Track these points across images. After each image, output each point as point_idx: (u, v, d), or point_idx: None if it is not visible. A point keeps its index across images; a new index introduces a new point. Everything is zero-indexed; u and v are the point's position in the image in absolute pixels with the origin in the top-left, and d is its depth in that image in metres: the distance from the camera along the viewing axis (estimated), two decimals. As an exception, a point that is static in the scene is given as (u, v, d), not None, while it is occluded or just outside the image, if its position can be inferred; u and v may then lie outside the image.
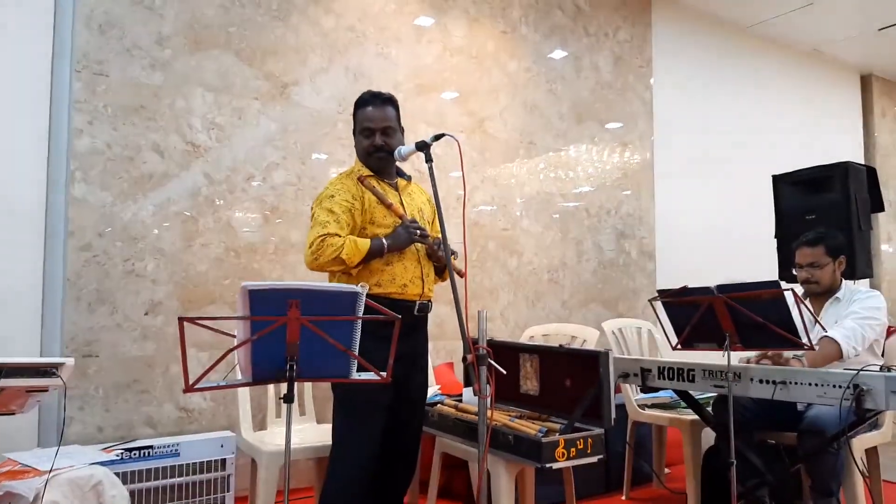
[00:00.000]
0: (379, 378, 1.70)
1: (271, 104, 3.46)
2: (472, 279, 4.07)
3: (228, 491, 2.85)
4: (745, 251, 5.01)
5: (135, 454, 2.65)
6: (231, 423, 3.07)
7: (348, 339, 1.65)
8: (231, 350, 1.57)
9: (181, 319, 1.48)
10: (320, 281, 2.44)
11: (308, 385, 3.03)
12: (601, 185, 4.71)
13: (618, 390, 3.43)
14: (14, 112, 2.86)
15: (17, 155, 2.86)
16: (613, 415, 2.48)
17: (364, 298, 1.66)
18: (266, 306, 1.54)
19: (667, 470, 3.68)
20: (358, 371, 1.72)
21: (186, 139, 3.21)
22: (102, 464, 2.38)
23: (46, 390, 2.02)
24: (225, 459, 2.85)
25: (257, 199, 3.40)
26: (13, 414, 2.06)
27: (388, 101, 2.50)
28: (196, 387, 1.50)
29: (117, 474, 2.41)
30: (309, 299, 1.57)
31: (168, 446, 2.72)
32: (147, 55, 3.13)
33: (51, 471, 2.07)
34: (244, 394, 2.83)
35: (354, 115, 2.51)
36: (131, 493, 2.53)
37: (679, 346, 2.77)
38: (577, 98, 4.64)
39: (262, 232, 3.39)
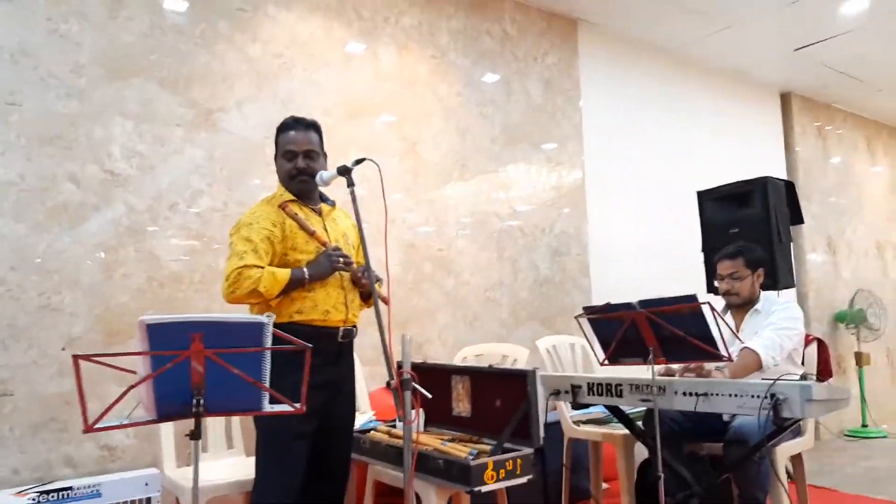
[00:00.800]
0: (293, 409, 1.67)
1: (196, 131, 3.40)
2: (408, 301, 4.06)
3: (156, 530, 2.75)
4: (676, 265, 5.14)
5: (52, 496, 2.54)
6: (156, 460, 2.96)
7: (257, 370, 1.62)
8: (131, 388, 1.51)
9: (75, 357, 1.42)
10: (241, 313, 2.40)
11: (236, 417, 2.96)
12: (535, 205, 4.78)
13: (555, 408, 3.46)
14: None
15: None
16: (542, 433, 2.49)
17: (270, 328, 1.63)
18: (167, 340, 1.50)
19: (605, 485, 3.72)
20: (271, 403, 1.68)
21: (105, 168, 3.13)
22: (14, 509, 2.27)
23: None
24: (150, 498, 2.74)
25: (182, 227, 3.32)
26: None
27: (312, 125, 2.50)
28: (96, 427, 1.45)
29: (32, 519, 2.31)
30: (213, 331, 1.53)
31: (88, 486, 2.61)
32: (63, 84, 3.05)
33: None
34: (167, 429, 2.74)
35: (277, 139, 2.50)
36: (49, 539, 2.42)
37: (606, 362, 2.82)
38: (509, 121, 4.72)
39: (188, 261, 3.32)
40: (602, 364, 2.83)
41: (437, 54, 4.39)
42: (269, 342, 1.62)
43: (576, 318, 2.85)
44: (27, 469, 2.84)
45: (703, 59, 5.91)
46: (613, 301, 2.73)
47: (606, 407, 3.05)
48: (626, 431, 3.08)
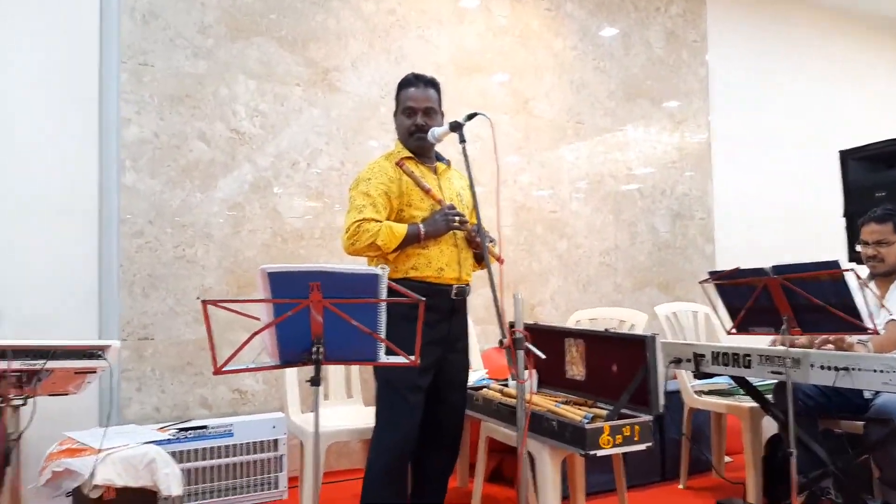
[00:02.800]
0: (408, 361, 1.67)
1: (313, 90, 3.46)
2: (521, 263, 4.00)
3: (281, 471, 2.90)
4: (812, 231, 4.77)
5: (189, 434, 2.71)
6: (283, 405, 3.11)
7: (373, 321, 1.62)
8: (255, 333, 1.56)
9: (203, 302, 1.48)
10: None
11: (355, 367, 3.04)
12: (655, 166, 4.56)
13: (675, 376, 3.32)
14: (65, 105, 2.95)
15: (69, 147, 2.95)
16: (662, 401, 2.38)
17: (385, 280, 1.63)
18: (287, 289, 1.53)
19: (728, 458, 3.54)
20: (387, 354, 1.69)
21: (231, 127, 3.25)
22: (157, 443, 2.45)
23: (95, 371, 2.08)
24: (277, 440, 2.89)
25: (302, 185, 3.41)
26: (67, 394, 2.13)
27: (431, 83, 2.48)
28: (224, 369, 1.50)
29: (172, 453, 2.48)
30: (329, 282, 1.54)
31: (222, 426, 2.78)
32: (190, 44, 3.17)
33: (100, 450, 2.12)
34: (292, 376, 2.85)
35: (397, 95, 2.48)
36: (186, 472, 2.59)
37: (734, 331, 2.65)
38: (628, 76, 4.49)
39: (308, 217, 3.41)
40: (729, 333, 2.66)
41: (552, 7, 4.23)
42: (384, 294, 1.63)
43: (701, 282, 2.68)
44: (167, 407, 3.06)
45: (846, 5, 5.37)
46: (740, 268, 2.54)
47: (733, 378, 2.88)
48: (753, 404, 2.90)
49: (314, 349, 1.58)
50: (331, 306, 1.54)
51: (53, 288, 2.87)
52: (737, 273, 2.56)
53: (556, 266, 4.14)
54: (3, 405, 1.95)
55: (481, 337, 3.56)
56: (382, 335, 1.66)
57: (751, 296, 2.49)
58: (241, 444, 2.79)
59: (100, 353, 2.03)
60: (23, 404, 2.01)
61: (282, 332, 1.57)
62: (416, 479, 2.46)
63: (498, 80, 4.02)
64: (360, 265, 2.38)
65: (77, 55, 2.98)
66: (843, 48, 5.56)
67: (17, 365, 1.90)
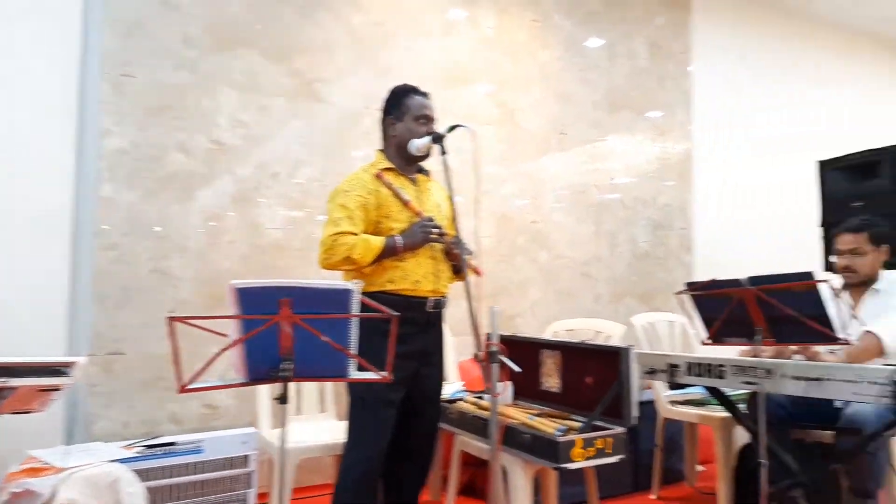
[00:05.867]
0: (379, 377, 1.68)
1: (297, 101, 3.47)
2: (502, 274, 4.01)
3: (251, 487, 2.86)
4: (791, 240, 4.80)
5: (157, 451, 2.66)
6: (255, 420, 3.10)
7: (345, 337, 1.63)
8: (222, 350, 1.56)
9: (170, 319, 1.48)
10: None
11: (329, 382, 3.04)
12: (637, 176, 4.59)
13: (649, 387, 3.34)
14: (44, 114, 2.94)
15: (47, 156, 2.94)
16: (636, 413, 2.40)
17: (358, 295, 1.63)
18: (257, 305, 1.54)
19: (701, 468, 3.57)
20: (358, 370, 1.70)
21: (212, 138, 3.25)
22: (122, 461, 2.39)
23: (59, 389, 2.04)
24: (247, 456, 2.86)
25: (283, 197, 3.42)
26: (31, 412, 2.09)
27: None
28: (190, 387, 1.51)
29: (139, 471, 2.44)
30: (301, 297, 1.55)
31: (191, 442, 2.74)
32: (173, 56, 3.18)
33: (62, 469, 2.10)
34: (263, 391, 2.85)
35: (400, 101, 2.45)
36: (153, 490, 2.55)
37: (709, 341, 2.67)
38: (612, 87, 4.52)
39: (289, 229, 3.42)
40: (704, 343, 2.68)
41: (539, 18, 4.26)
42: (356, 309, 1.63)
43: (677, 294, 2.71)
44: (135, 423, 3.04)
45: (828, 16, 5.43)
46: (718, 278, 2.57)
47: (706, 388, 2.90)
48: (725, 413, 2.92)
49: (283, 365, 1.58)
50: (301, 322, 1.55)
51: (23, 301, 2.84)
52: (712, 284, 2.58)
53: (536, 277, 4.16)
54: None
55: (459, 349, 3.57)
56: (354, 351, 1.66)
57: (726, 307, 2.52)
58: (211, 460, 2.76)
59: (64, 369, 1.99)
60: (-16, 423, 1.97)
61: (250, 348, 1.57)
62: (387, 494, 2.45)
63: (484, 91, 4.04)
64: (336, 279, 2.40)
65: (58, 65, 2.98)
66: (824, 60, 5.62)
67: (-24, 383, 1.86)
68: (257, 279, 1.64)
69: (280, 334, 1.55)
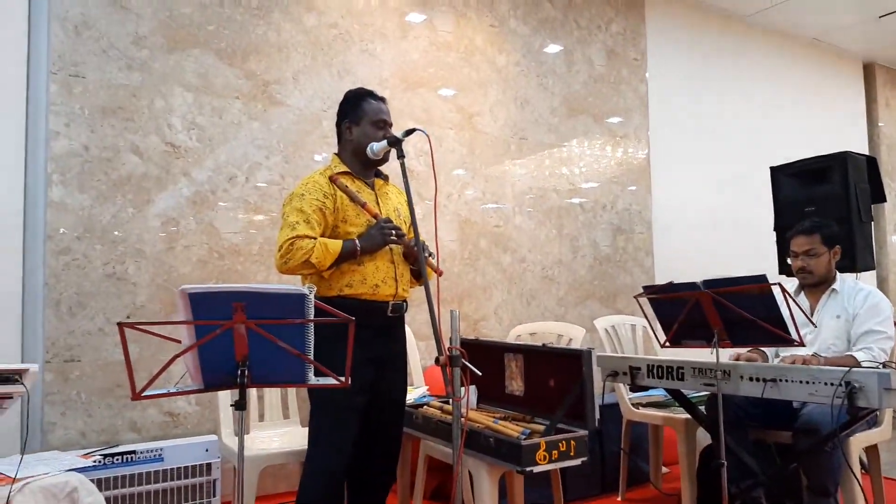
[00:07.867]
0: (337, 383, 1.64)
1: (253, 103, 3.41)
2: (465, 277, 4.01)
3: (214, 496, 2.80)
4: (747, 245, 4.92)
5: (116, 459, 2.60)
6: (217, 428, 3.02)
7: (301, 342, 1.59)
8: (175, 357, 1.51)
9: (120, 325, 1.42)
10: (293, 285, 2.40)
11: (292, 388, 2.98)
12: (597, 181, 4.63)
13: (613, 389, 3.36)
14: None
15: (-8, 159, 2.83)
16: (598, 415, 2.41)
17: (312, 300, 1.60)
18: (210, 310, 1.48)
19: (666, 469, 3.60)
20: (316, 375, 1.66)
21: (166, 140, 3.17)
22: (80, 470, 2.33)
23: (11, 397, 1.98)
24: (210, 464, 2.79)
25: (240, 200, 3.35)
26: (-19, 421, 2.02)
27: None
28: (144, 394, 1.45)
29: (97, 480, 2.36)
30: (255, 302, 1.50)
31: (151, 451, 2.66)
32: (123, 55, 3.09)
33: (14, 479, 2.02)
34: (224, 397, 2.78)
35: (355, 107, 2.41)
36: (114, 500, 2.48)
37: (668, 344, 2.70)
38: (570, 92, 4.57)
39: (246, 233, 3.35)
40: (663, 346, 2.71)
41: (496, 23, 4.27)
42: (311, 314, 1.59)
43: (635, 297, 2.73)
44: (94, 432, 2.94)
45: (780, 25, 5.59)
46: (677, 281, 2.60)
47: (667, 390, 2.94)
48: (688, 416, 2.96)
49: (239, 372, 1.53)
50: (255, 327, 1.50)
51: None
52: (670, 287, 2.61)
53: (500, 280, 4.16)
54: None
55: (424, 353, 3.54)
56: (311, 356, 1.62)
57: (683, 309, 2.55)
58: (172, 468, 2.69)
59: (16, 377, 1.93)
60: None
61: (204, 354, 1.52)
62: (352, 501, 2.42)
63: (442, 94, 4.03)
64: (295, 284, 2.35)
65: (3, 64, 2.87)
66: (777, 67, 5.77)
67: (-77, 392, 1.80)
68: (211, 284, 1.58)
69: (235, 340, 1.50)
